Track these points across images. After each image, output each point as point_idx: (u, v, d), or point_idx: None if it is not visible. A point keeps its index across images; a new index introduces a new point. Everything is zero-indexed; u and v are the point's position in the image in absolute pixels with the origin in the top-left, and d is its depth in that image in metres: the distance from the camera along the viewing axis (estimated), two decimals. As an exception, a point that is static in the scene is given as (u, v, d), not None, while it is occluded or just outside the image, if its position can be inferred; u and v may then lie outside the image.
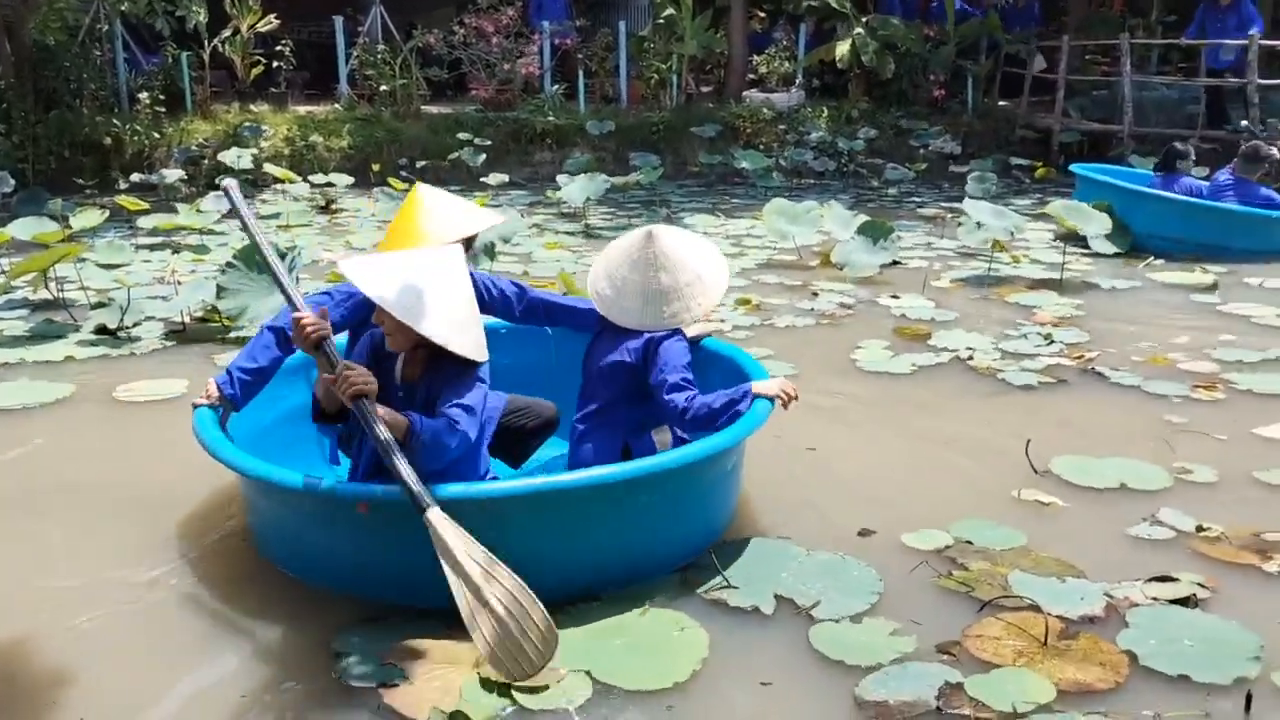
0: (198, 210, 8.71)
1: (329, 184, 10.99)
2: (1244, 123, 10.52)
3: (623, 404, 3.31)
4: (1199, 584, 2.99)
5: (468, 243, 3.30)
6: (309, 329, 2.62)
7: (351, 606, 2.86)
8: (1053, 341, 5.65)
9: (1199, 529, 3.36)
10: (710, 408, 3.10)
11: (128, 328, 5.77)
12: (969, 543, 3.29)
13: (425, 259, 2.80)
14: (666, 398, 3.14)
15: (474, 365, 2.78)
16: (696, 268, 3.37)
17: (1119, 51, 12.47)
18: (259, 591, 3.01)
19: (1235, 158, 8.37)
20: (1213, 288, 6.95)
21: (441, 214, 3.28)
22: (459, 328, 2.72)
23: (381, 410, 2.59)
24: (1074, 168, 9.35)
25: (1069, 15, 14.74)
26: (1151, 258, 7.83)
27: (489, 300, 3.49)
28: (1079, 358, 5.34)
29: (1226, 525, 3.38)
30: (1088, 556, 3.18)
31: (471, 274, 3.10)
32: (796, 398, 3.27)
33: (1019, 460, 3.92)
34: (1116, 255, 7.95)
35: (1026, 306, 6.47)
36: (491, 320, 3.44)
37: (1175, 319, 6.23)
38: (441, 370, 2.77)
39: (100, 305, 6.03)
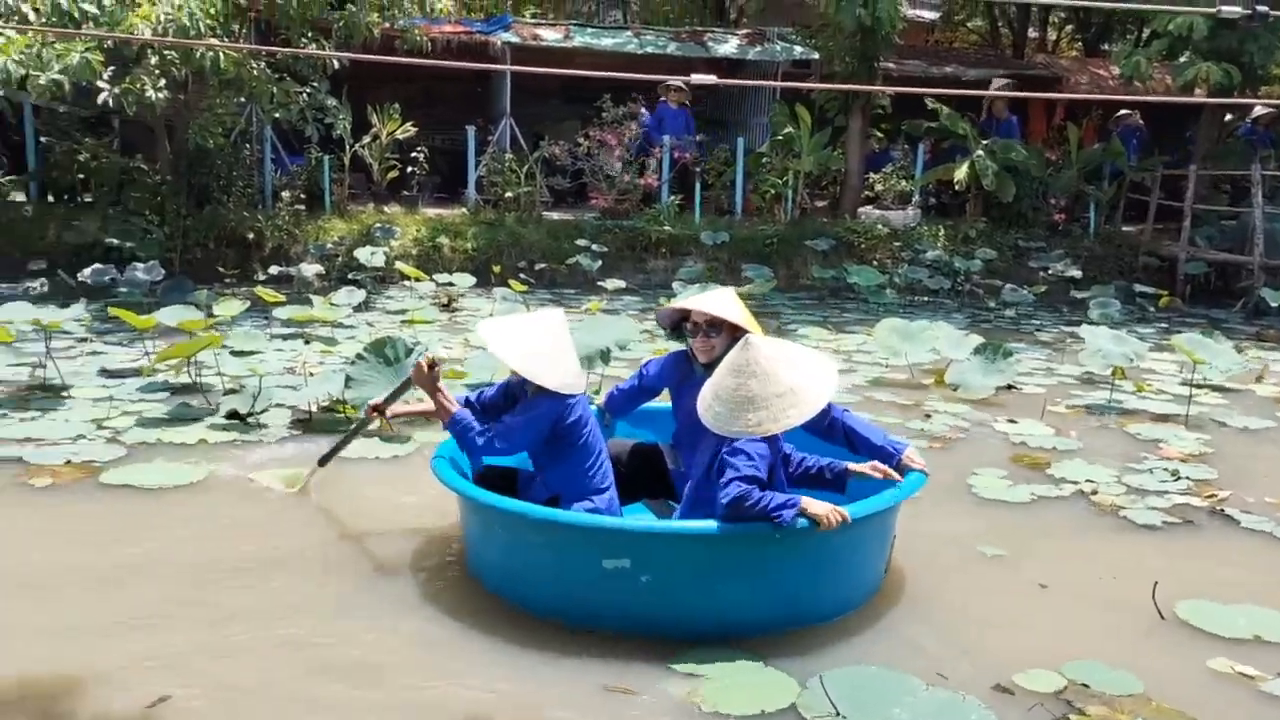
0: (330, 304, 9.12)
1: (450, 283, 11.41)
2: None
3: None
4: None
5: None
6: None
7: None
8: (1180, 478, 5.44)
9: (1340, 690, 3.17)
10: (760, 504, 3.20)
11: (257, 414, 6.03)
12: (1085, 686, 3.16)
13: (536, 320, 3.87)
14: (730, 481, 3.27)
15: (542, 400, 3.71)
16: (791, 381, 3.35)
17: (1249, 182, 12.20)
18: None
19: None
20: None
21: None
22: (539, 360, 3.70)
23: (446, 398, 3.79)
24: None
25: (1196, 144, 14.52)
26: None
27: None
28: (1210, 496, 5.13)
29: (1371, 688, 3.18)
30: (1209, 708, 3.03)
31: None
32: (841, 523, 3.25)
33: (1141, 602, 3.76)
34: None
35: (1151, 440, 6.26)
36: None
37: (1312, 461, 5.95)
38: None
39: (233, 391, 6.33)
